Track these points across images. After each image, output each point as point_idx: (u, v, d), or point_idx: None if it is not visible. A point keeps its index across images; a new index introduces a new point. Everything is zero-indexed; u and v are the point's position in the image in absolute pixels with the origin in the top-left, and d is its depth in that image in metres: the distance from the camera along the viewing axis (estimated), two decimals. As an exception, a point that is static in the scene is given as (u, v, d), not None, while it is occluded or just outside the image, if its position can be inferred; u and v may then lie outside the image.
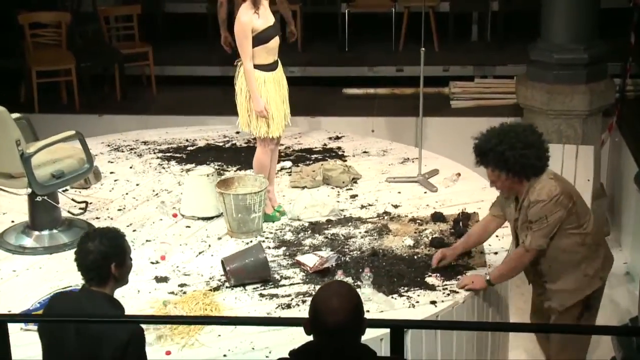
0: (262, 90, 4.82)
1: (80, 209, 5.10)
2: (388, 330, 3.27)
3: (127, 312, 3.92)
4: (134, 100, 8.00)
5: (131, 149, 6.24)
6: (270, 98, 4.85)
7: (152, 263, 4.61)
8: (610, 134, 7.03)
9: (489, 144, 3.92)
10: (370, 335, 3.73)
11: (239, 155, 6.02)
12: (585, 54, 6.39)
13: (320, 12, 9.17)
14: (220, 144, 6.28)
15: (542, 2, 6.62)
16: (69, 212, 5.00)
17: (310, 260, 4.45)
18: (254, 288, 4.32)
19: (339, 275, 4.25)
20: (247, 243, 4.74)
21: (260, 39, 4.76)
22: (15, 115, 4.87)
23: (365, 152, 6.07)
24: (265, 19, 4.78)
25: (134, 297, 4.27)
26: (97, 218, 5.18)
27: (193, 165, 5.84)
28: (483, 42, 8.97)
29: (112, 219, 5.17)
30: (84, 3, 8.57)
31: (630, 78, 7.40)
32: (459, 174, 5.52)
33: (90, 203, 5.30)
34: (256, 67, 4.79)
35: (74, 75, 7.61)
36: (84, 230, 4.86)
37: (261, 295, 4.26)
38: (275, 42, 4.86)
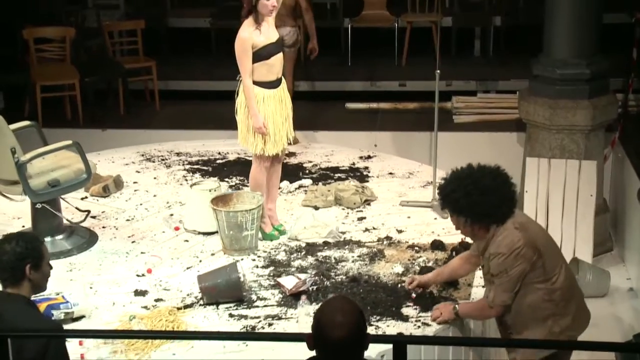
0: (261, 107, 4.77)
1: (85, 215, 5.14)
2: (390, 346, 3.26)
3: (95, 325, 4.09)
4: (137, 114, 8.03)
5: (162, 160, 6.29)
6: (269, 116, 4.80)
7: (138, 276, 4.64)
8: (613, 149, 7.03)
9: (446, 190, 3.77)
10: (372, 351, 3.78)
11: (230, 170, 6.04)
12: (588, 69, 6.40)
13: (324, 26, 9.18)
14: (250, 158, 6.22)
15: (544, 18, 6.64)
16: (67, 220, 5.03)
17: (289, 282, 4.39)
18: (226, 307, 4.29)
19: (303, 300, 4.19)
20: (238, 261, 4.67)
21: (260, 55, 4.72)
22: (26, 122, 5.06)
23: (390, 173, 6.02)
24: (267, 35, 4.75)
25: (108, 309, 4.30)
26: (103, 227, 5.23)
27: (215, 178, 5.82)
28: (485, 57, 9.00)
29: (117, 228, 5.21)
30: (88, 18, 8.61)
31: (633, 93, 7.42)
32: None
33: (103, 212, 5.39)
34: (256, 83, 4.76)
35: (77, 90, 7.64)
36: (85, 238, 4.96)
37: (230, 315, 4.23)
38: (277, 59, 4.81)
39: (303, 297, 4.25)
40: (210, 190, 5.07)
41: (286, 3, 6.76)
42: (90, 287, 4.54)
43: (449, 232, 4.96)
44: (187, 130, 7.45)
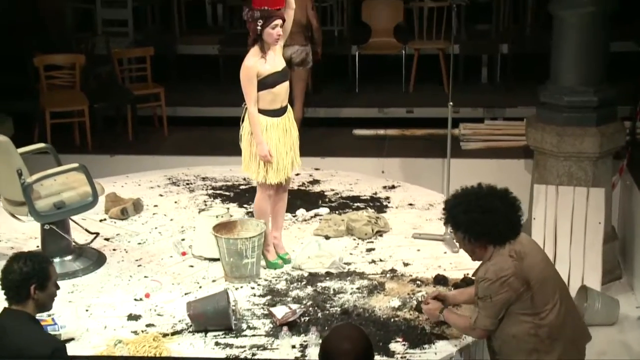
0: (264, 135, 4.74)
1: (93, 237, 5.21)
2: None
3: (82, 348, 4.11)
4: (145, 140, 8.06)
5: (187, 184, 6.31)
6: (272, 144, 4.77)
7: (136, 300, 4.64)
8: (621, 177, 7.02)
9: (449, 204, 3.78)
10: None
11: (247, 196, 5.99)
12: (595, 97, 6.41)
13: (331, 53, 9.26)
14: (238, 185, 6.27)
15: (551, 45, 6.67)
16: (74, 242, 5.08)
17: (280, 312, 4.34)
18: (214, 335, 4.26)
19: (284, 332, 4.14)
20: (237, 288, 4.70)
21: (265, 83, 4.70)
22: (40, 145, 5.34)
23: (410, 204, 5.90)
24: (273, 64, 4.73)
25: (99, 332, 4.31)
26: (113, 250, 5.26)
27: (228, 204, 5.81)
28: (493, 84, 9.03)
29: (126, 251, 5.24)
30: (98, 45, 8.68)
31: (640, 121, 7.42)
32: None
33: (118, 234, 5.43)
34: (260, 111, 4.73)
35: (86, 116, 7.69)
36: (92, 260, 5.02)
37: (217, 343, 4.20)
38: (282, 87, 4.76)
39: (285, 328, 4.18)
40: (217, 217, 5.07)
41: (296, 21, 6.87)
42: (87, 310, 4.55)
43: (456, 267, 4.93)
44: (194, 156, 7.47)
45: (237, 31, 9.21)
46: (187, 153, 7.61)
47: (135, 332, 4.30)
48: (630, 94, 7.26)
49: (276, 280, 4.85)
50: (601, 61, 6.50)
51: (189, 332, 4.30)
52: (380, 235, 5.38)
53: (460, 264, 4.95)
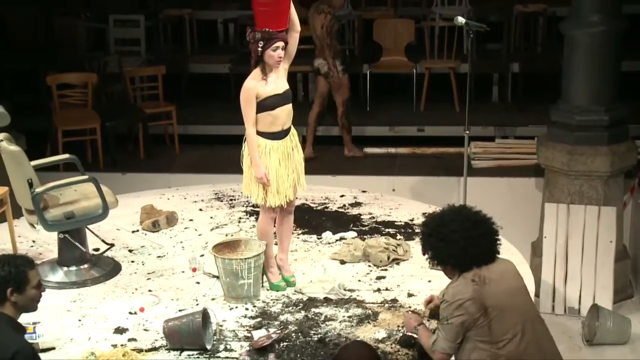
0: (263, 158, 4.66)
1: (106, 248, 5.32)
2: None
3: (62, 357, 4.16)
4: (157, 158, 8.10)
5: (231, 199, 6.27)
6: (271, 167, 4.68)
7: (130, 313, 4.65)
8: (633, 196, 6.99)
9: (423, 223, 3.84)
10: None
11: (314, 218, 5.86)
12: (607, 116, 6.40)
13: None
14: (314, 206, 6.11)
15: (562, 64, 6.67)
16: (85, 251, 5.14)
17: (257, 335, 4.28)
18: (189, 355, 4.20)
19: (243, 356, 4.09)
20: (232, 308, 4.65)
21: (264, 105, 4.63)
22: (65, 155, 5.56)
23: None
24: (274, 86, 4.65)
25: (81, 343, 4.34)
26: (132, 261, 5.30)
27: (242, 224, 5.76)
28: (504, 103, 9.03)
29: (143, 264, 5.27)
30: (110, 64, 8.74)
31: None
32: None
33: (142, 246, 5.47)
34: (259, 133, 4.66)
35: (98, 135, 7.74)
36: (105, 270, 5.11)
37: None
38: (283, 111, 4.67)
39: (271, 355, 4.12)
40: (226, 235, 5.06)
41: (317, 35, 7.51)
42: (79, 320, 4.59)
43: None
44: (205, 174, 7.49)
45: (248, 50, 9.05)
46: (199, 171, 7.64)
47: (115, 346, 4.29)
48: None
49: (273, 302, 4.75)
50: (612, 80, 6.49)
51: (166, 349, 4.25)
52: (397, 264, 5.18)
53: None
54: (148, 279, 5.07)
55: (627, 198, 6.90)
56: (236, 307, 4.69)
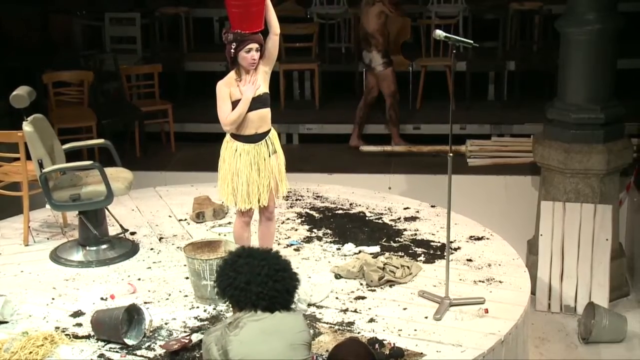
0: (232, 161, 4.61)
1: (122, 232, 5.42)
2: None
3: (9, 331, 4.20)
4: (153, 156, 8.10)
5: (297, 200, 6.09)
6: (241, 170, 4.60)
7: (102, 299, 4.66)
8: (628, 194, 7.01)
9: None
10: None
11: (354, 228, 5.56)
12: (602, 114, 6.41)
13: (338, 70, 9.30)
14: (369, 215, 5.79)
15: (558, 62, 6.68)
16: (95, 233, 5.20)
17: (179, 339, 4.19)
18: (110, 347, 4.15)
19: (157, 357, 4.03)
20: (191, 308, 4.56)
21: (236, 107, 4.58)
22: (100, 140, 5.79)
23: (469, 260, 5.09)
24: (249, 88, 4.57)
25: (34, 321, 4.40)
26: (151, 249, 5.34)
27: (306, 227, 5.61)
28: (500, 101, 9.04)
29: (158, 252, 5.29)
30: (106, 62, 8.73)
31: (648, 138, 7.42)
32: (486, 310, 4.45)
33: (175, 235, 5.49)
34: (232, 135, 4.63)
35: (95, 132, 7.73)
36: (115, 255, 5.23)
37: (100, 355, 4.09)
38: (256, 114, 4.58)
39: None
40: (219, 234, 5.03)
41: (368, 30, 7.76)
42: (53, 299, 4.67)
43: (425, 338, 4.20)
44: (201, 172, 7.48)
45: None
46: (195, 169, 7.63)
47: (57, 329, 4.30)
48: (637, 111, 7.25)
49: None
50: (608, 78, 6.51)
51: (95, 339, 4.23)
52: (390, 286, 4.79)
53: (432, 334, 4.25)
54: (148, 267, 5.07)
55: (623, 196, 6.91)
56: (197, 307, 4.58)
